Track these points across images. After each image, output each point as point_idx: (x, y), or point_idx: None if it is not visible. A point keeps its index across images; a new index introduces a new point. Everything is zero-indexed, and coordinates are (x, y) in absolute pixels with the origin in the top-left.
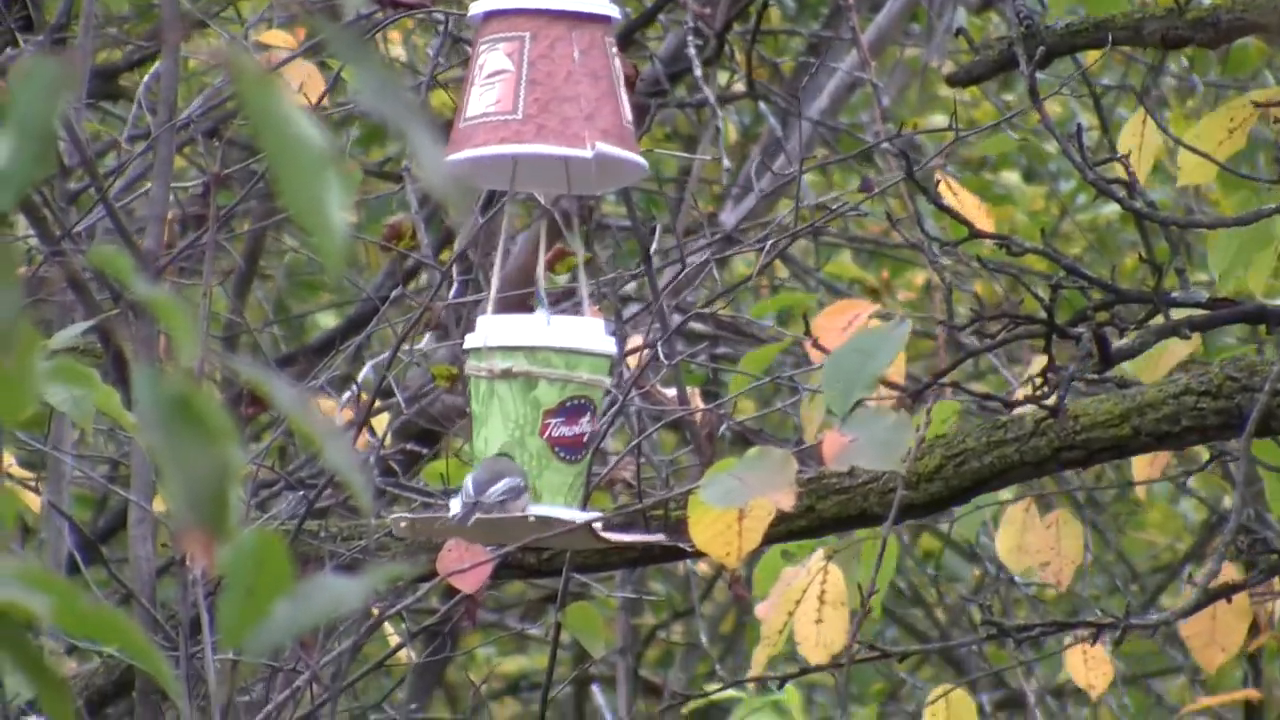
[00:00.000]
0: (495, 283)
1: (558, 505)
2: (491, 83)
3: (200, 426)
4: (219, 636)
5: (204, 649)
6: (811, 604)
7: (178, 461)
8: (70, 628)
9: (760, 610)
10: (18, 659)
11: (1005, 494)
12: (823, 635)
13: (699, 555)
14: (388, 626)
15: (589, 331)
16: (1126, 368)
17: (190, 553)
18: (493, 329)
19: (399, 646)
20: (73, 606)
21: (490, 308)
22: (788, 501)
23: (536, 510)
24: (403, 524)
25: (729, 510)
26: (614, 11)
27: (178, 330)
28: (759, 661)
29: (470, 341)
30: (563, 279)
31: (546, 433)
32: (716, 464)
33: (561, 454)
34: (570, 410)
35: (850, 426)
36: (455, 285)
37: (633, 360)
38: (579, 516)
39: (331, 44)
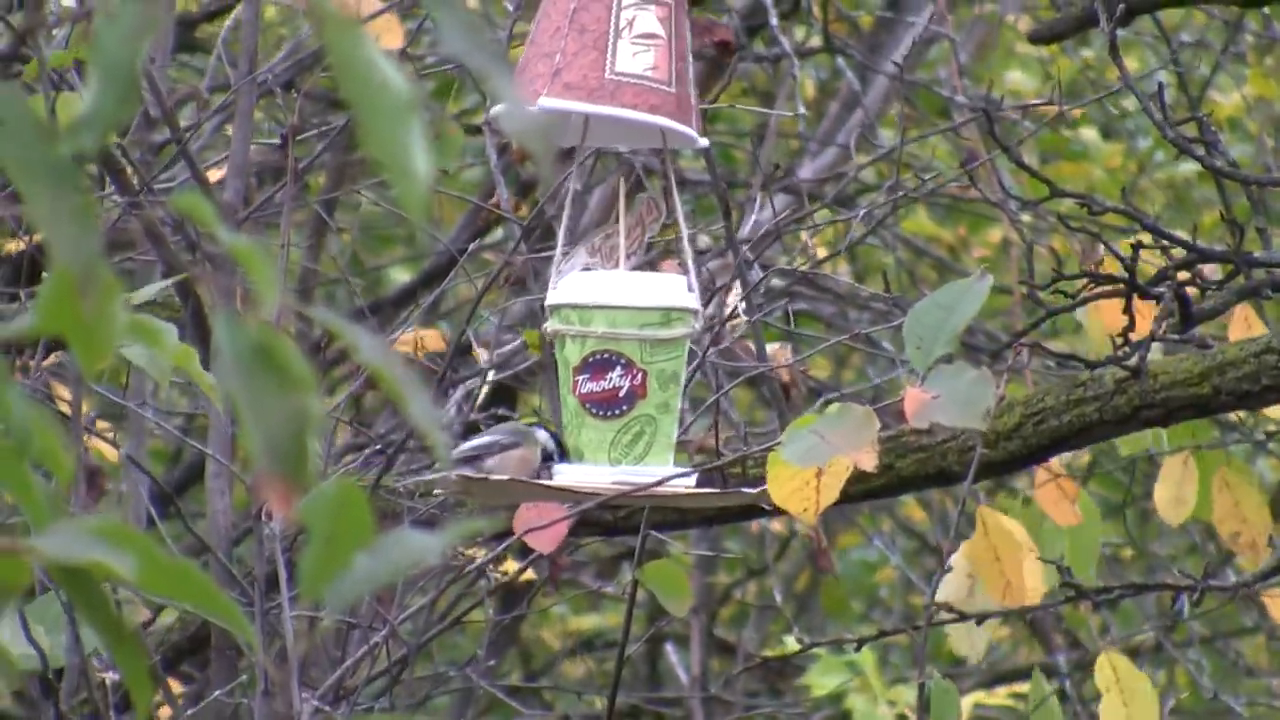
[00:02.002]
0: (561, 238)
1: (600, 463)
2: (646, 45)
3: (280, 375)
4: (299, 587)
5: (281, 605)
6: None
7: (257, 410)
8: (150, 585)
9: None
10: (93, 615)
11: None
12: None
13: (777, 513)
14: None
15: (617, 284)
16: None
17: (268, 502)
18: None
19: (476, 604)
20: (153, 563)
21: (555, 268)
22: (869, 461)
23: (569, 470)
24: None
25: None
26: None
27: (260, 278)
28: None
29: (549, 300)
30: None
31: (576, 389)
32: (796, 420)
33: (593, 410)
34: (594, 365)
35: (931, 383)
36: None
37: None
38: (618, 475)
39: None
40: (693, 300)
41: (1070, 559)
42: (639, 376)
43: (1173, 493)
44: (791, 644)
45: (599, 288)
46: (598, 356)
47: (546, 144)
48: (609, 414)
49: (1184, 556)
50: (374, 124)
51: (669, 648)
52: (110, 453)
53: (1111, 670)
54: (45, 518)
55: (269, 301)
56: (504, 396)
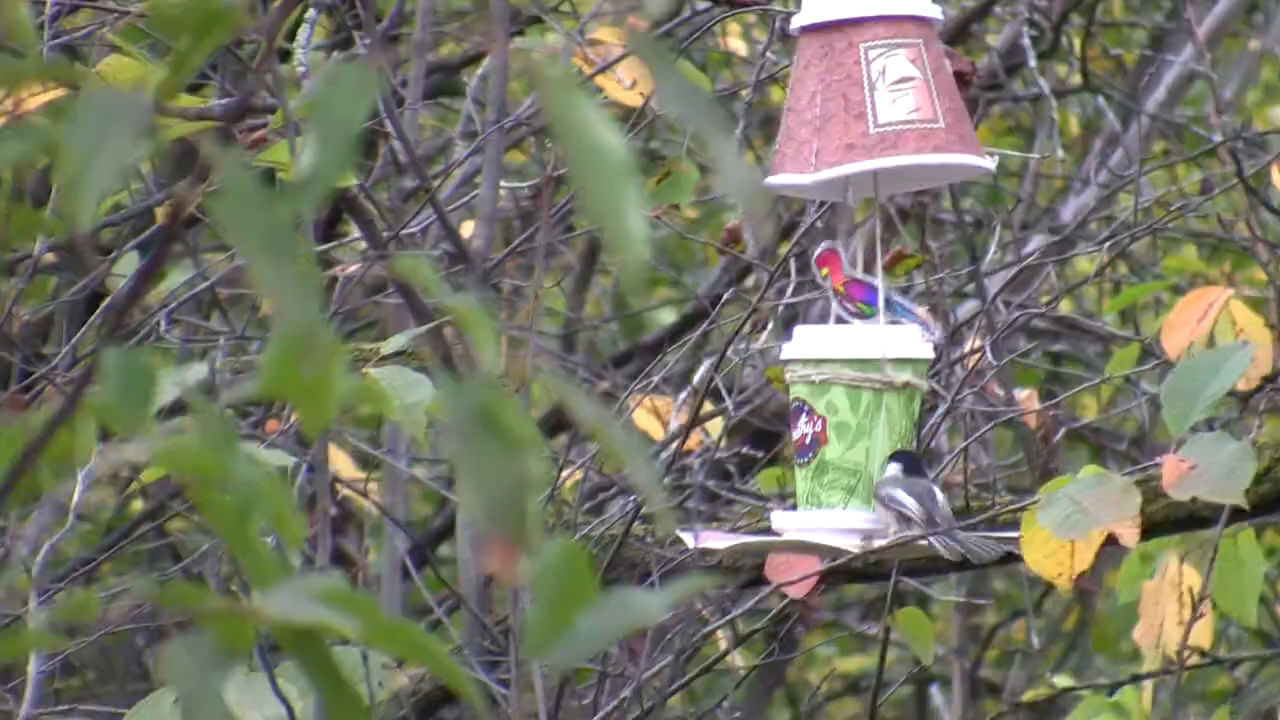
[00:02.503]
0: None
1: (804, 509)
2: (903, 89)
3: (502, 436)
4: (524, 648)
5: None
6: (1173, 609)
7: (478, 472)
8: (376, 644)
9: (1138, 635)
10: (316, 675)
11: None
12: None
13: (1020, 559)
14: (721, 630)
15: (809, 337)
16: None
17: (491, 564)
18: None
19: (725, 652)
20: (377, 624)
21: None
22: (1131, 536)
23: (780, 520)
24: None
25: None
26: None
27: (481, 337)
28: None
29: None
30: (902, 280)
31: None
32: (1052, 480)
33: (797, 458)
34: (793, 414)
35: (1191, 451)
36: (792, 283)
37: (968, 361)
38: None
39: (635, 49)
40: (878, 350)
41: (1223, 600)
42: (819, 424)
43: None
44: (1055, 685)
45: (800, 341)
46: (795, 404)
47: (767, 208)
48: (802, 461)
49: None
50: (592, 185)
51: (933, 690)
52: (367, 504)
53: None
54: (269, 578)
55: (490, 360)
56: (761, 438)
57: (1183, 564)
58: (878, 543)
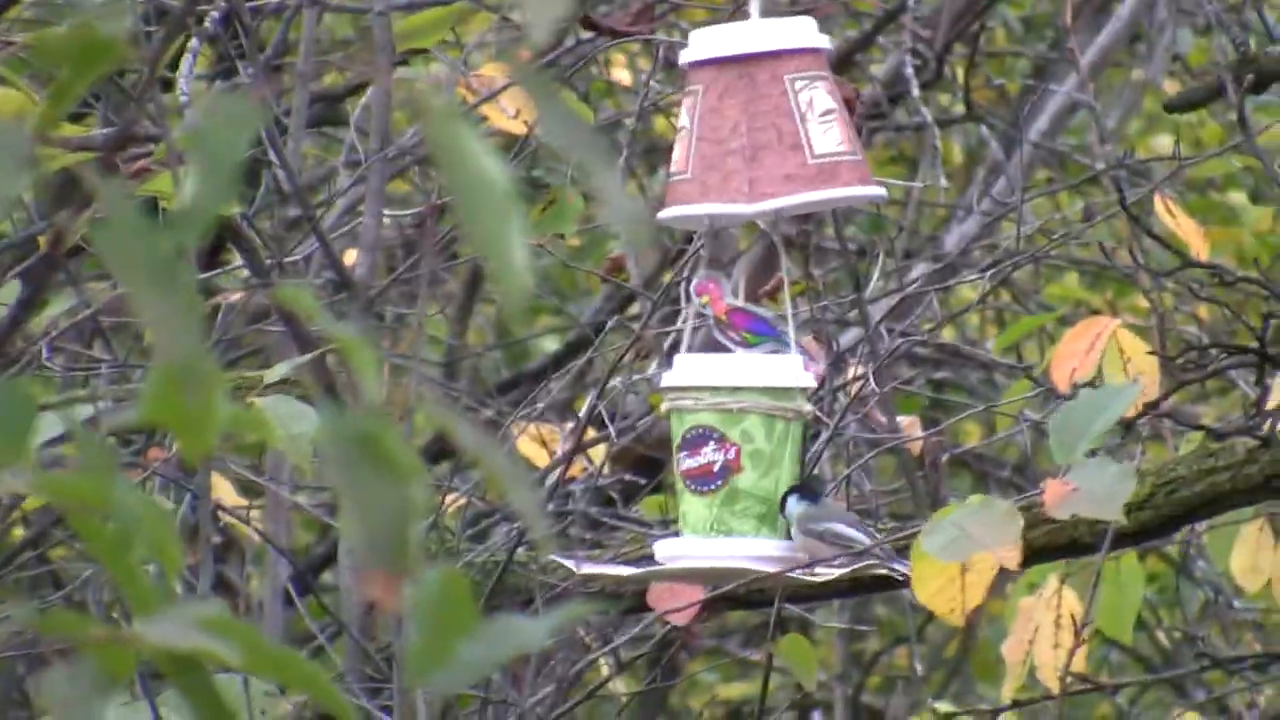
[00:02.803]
0: (689, 320)
1: (699, 536)
2: (829, 121)
3: (384, 465)
4: (405, 676)
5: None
6: (1048, 630)
7: (359, 501)
8: (257, 671)
9: (1006, 649)
10: (197, 703)
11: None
12: (1060, 659)
13: (905, 585)
14: (606, 655)
15: (698, 364)
16: None
17: (372, 592)
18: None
19: (608, 679)
20: (259, 652)
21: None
22: (1013, 559)
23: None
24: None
25: (951, 564)
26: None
27: (363, 366)
28: (1007, 695)
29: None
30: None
31: (678, 466)
32: (939, 511)
33: (692, 485)
34: (692, 442)
35: (1075, 475)
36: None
37: (850, 388)
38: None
39: (520, 81)
40: (789, 378)
41: (1104, 622)
42: (732, 451)
43: (1249, 561)
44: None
45: (691, 370)
46: (694, 432)
47: (649, 239)
48: (705, 489)
49: None
50: (474, 217)
51: (815, 715)
52: (249, 531)
53: None
54: (151, 606)
55: (372, 389)
56: (645, 465)
57: (1063, 585)
58: (829, 570)
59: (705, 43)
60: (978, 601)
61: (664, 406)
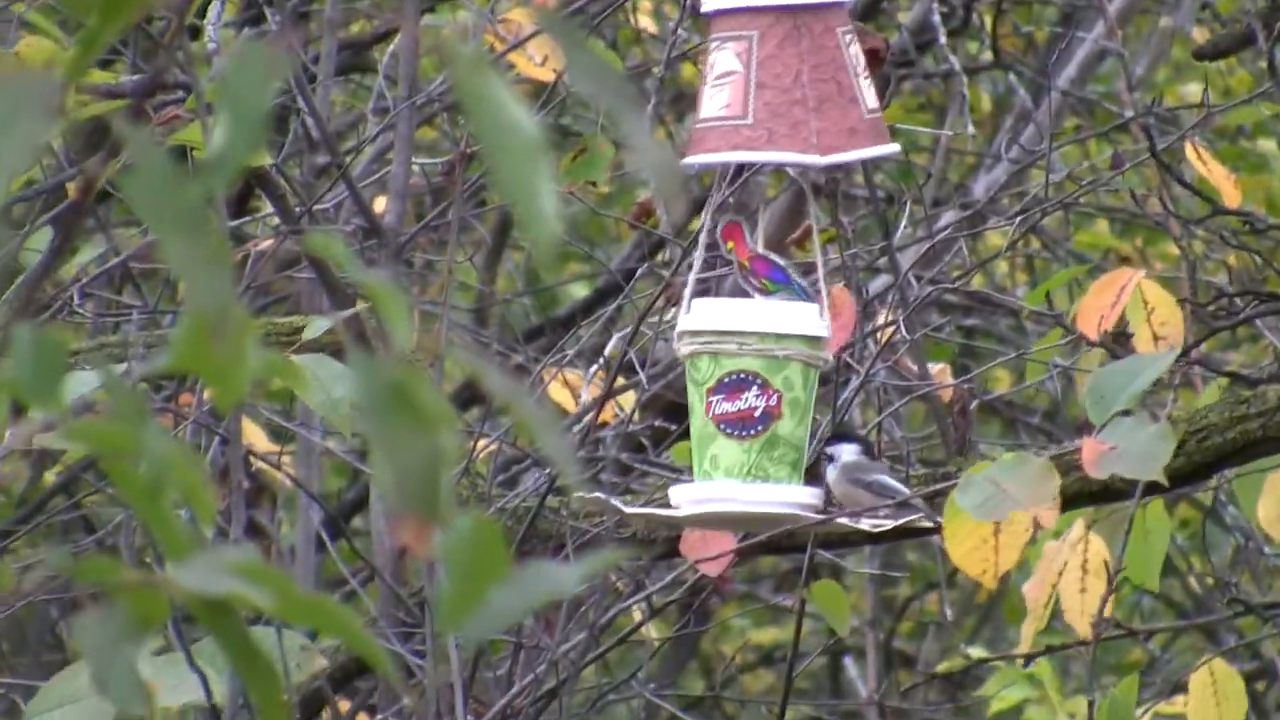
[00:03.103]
0: (697, 265)
1: (734, 481)
2: (721, 85)
3: (414, 413)
4: (436, 622)
5: None
6: (1074, 574)
7: (390, 449)
8: (289, 618)
9: (1027, 589)
10: (231, 648)
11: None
12: (1087, 604)
13: (936, 531)
14: (638, 601)
15: (743, 310)
16: None
17: (404, 538)
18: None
19: (640, 624)
20: (291, 597)
21: (689, 290)
22: (1050, 518)
23: (710, 490)
24: (626, 513)
25: (984, 524)
26: None
27: (393, 316)
28: (1027, 636)
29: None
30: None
31: (710, 410)
32: (974, 466)
33: (727, 429)
34: (730, 386)
35: (1110, 434)
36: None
37: (881, 335)
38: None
39: (546, 28)
40: (820, 328)
41: (1130, 568)
42: (774, 398)
43: (1276, 510)
44: (970, 656)
45: (731, 314)
46: (734, 377)
47: (677, 186)
48: (744, 434)
49: None
50: (503, 165)
51: (847, 661)
52: (280, 477)
53: (1209, 673)
54: (183, 551)
55: (402, 338)
56: (674, 411)
57: (1089, 531)
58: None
59: None
60: (1011, 563)
61: (688, 349)
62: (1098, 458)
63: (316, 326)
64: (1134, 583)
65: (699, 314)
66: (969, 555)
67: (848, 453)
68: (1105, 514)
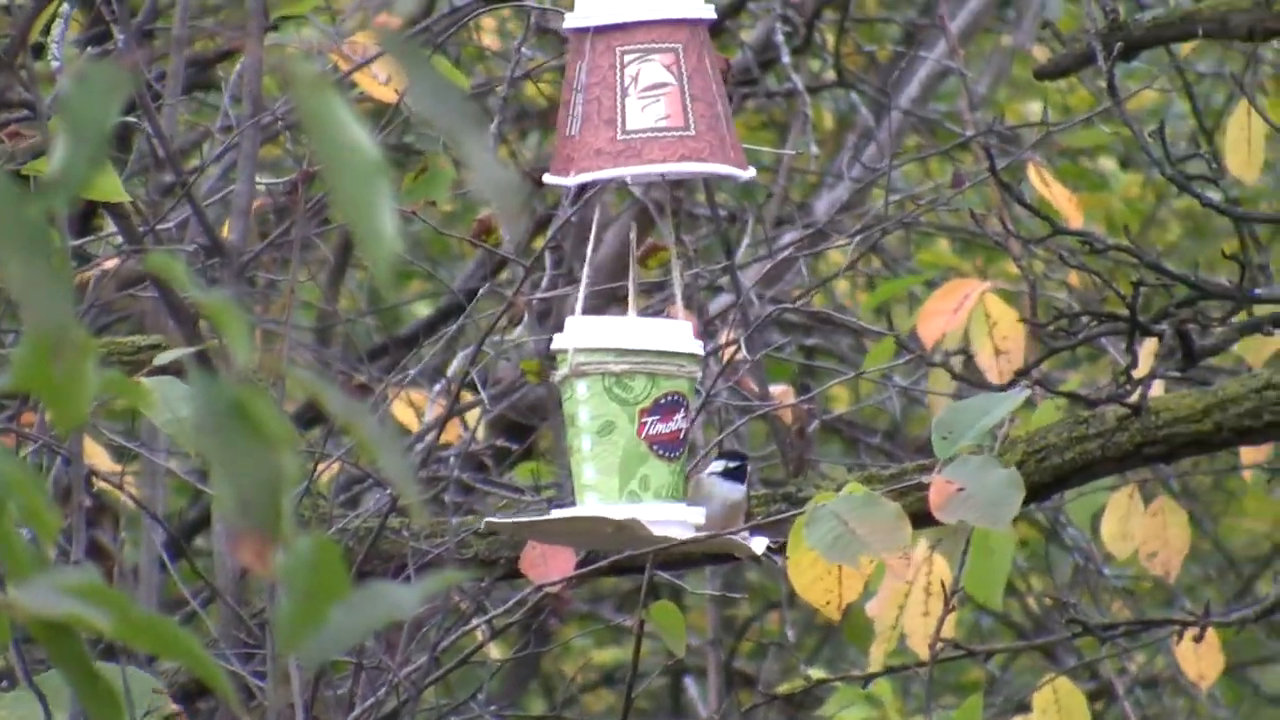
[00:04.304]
0: (585, 280)
1: (663, 501)
2: (654, 96)
3: (254, 432)
4: (276, 643)
5: None
6: (918, 597)
7: (230, 468)
8: (128, 639)
9: (870, 608)
10: (70, 671)
11: (1108, 481)
12: (929, 628)
13: (779, 552)
14: (478, 620)
15: (677, 331)
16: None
17: (244, 558)
18: (582, 329)
19: (481, 644)
20: (130, 618)
21: (580, 306)
22: (902, 569)
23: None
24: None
25: None
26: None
27: (233, 335)
28: (876, 659)
29: (558, 343)
30: (655, 273)
31: (644, 431)
32: (818, 496)
33: (660, 451)
34: (665, 408)
35: (956, 473)
36: (547, 277)
37: (723, 354)
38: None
39: (388, 49)
40: (697, 345)
41: (972, 587)
42: (689, 419)
43: (1119, 528)
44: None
45: (670, 332)
46: (669, 398)
47: (519, 205)
48: (673, 455)
49: (1201, 587)
50: (342, 184)
51: (688, 681)
52: (122, 497)
53: (1052, 692)
54: (24, 571)
55: (242, 358)
56: (516, 431)
57: (933, 552)
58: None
59: (676, 2)
60: (855, 594)
61: (621, 367)
62: (945, 501)
63: (167, 355)
64: (976, 600)
65: (634, 333)
66: (812, 585)
67: (740, 477)
68: (947, 533)
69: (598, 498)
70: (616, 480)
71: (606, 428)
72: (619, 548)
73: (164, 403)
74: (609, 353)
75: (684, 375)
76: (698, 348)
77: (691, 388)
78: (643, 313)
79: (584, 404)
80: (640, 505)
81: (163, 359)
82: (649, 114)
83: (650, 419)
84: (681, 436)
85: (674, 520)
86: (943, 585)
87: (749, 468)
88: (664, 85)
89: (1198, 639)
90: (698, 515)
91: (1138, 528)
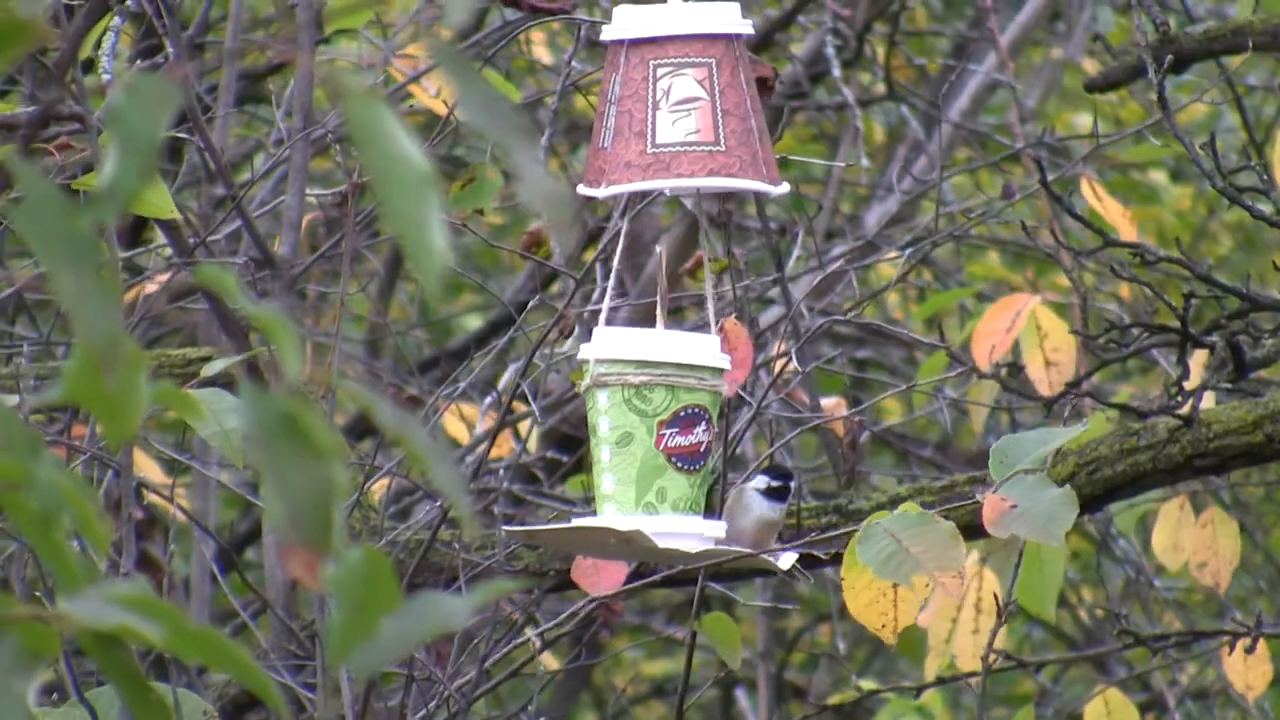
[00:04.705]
0: (609, 292)
1: (680, 514)
2: (685, 110)
3: (304, 445)
4: (327, 654)
5: None
6: (968, 614)
7: (280, 480)
8: (179, 651)
9: (922, 619)
10: (121, 682)
11: (1157, 493)
12: (979, 645)
13: (829, 563)
14: (529, 631)
15: (699, 344)
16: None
17: (294, 571)
18: (604, 340)
19: (532, 656)
20: (181, 630)
21: (604, 318)
22: (955, 587)
23: (647, 522)
24: (507, 532)
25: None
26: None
27: (284, 347)
28: (930, 671)
29: (582, 353)
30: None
31: (662, 443)
32: (873, 515)
33: (680, 464)
34: (684, 420)
35: (1010, 490)
36: (598, 290)
37: (774, 365)
38: (694, 527)
39: (439, 61)
40: (722, 359)
41: (1025, 600)
42: (712, 432)
43: (1170, 539)
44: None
45: (692, 348)
46: (689, 411)
47: (569, 217)
48: (693, 468)
49: (1253, 599)
50: (392, 198)
51: (739, 693)
52: (173, 509)
53: (1104, 703)
54: (75, 583)
55: (292, 370)
56: (569, 443)
57: (983, 566)
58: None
59: (711, 16)
60: (911, 618)
61: (640, 379)
62: (999, 516)
63: (215, 365)
64: (1028, 612)
65: (654, 345)
66: (868, 608)
67: (785, 491)
68: (999, 546)
69: (615, 508)
70: (633, 491)
71: (625, 439)
72: (632, 559)
73: (211, 414)
74: (629, 364)
75: (706, 389)
76: (722, 361)
77: (715, 401)
78: (687, 325)
79: (604, 414)
80: (656, 517)
81: (211, 369)
82: (679, 128)
83: (669, 431)
84: (703, 450)
85: (688, 533)
86: (995, 599)
87: (794, 486)
88: (695, 99)
89: (1249, 650)
90: (715, 529)
91: (1188, 539)
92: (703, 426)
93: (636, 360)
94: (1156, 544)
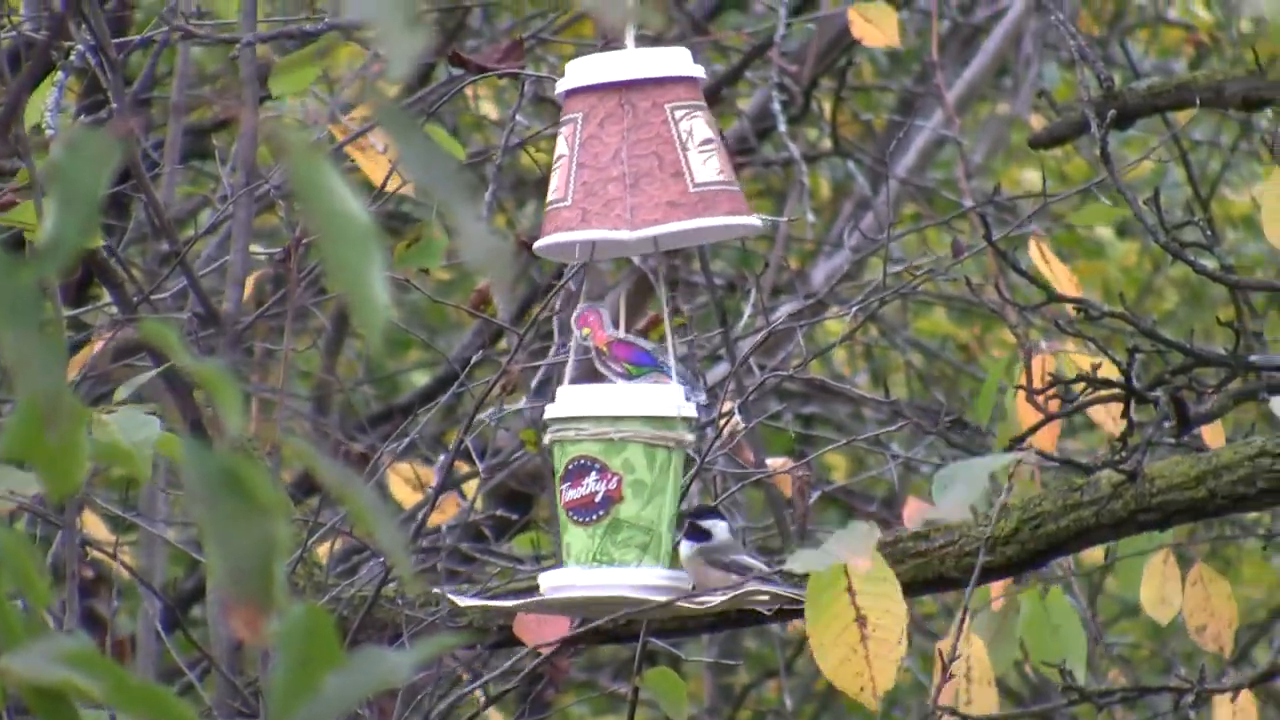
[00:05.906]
0: (573, 349)
1: (582, 567)
2: (709, 151)
3: (246, 501)
4: (270, 711)
5: None
6: (959, 684)
7: (222, 536)
8: (122, 707)
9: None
10: None
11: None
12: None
13: (782, 618)
14: (474, 687)
15: (579, 395)
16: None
17: (236, 627)
18: (558, 401)
19: (476, 713)
20: (123, 686)
21: (569, 374)
22: (864, 564)
23: (555, 578)
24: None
25: (849, 630)
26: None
27: (226, 403)
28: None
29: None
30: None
31: (562, 498)
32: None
33: (574, 516)
34: (574, 472)
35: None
36: (556, 345)
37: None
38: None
39: (380, 118)
40: (672, 407)
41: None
42: (614, 481)
43: (1157, 593)
44: None
45: (570, 401)
46: (576, 463)
47: (510, 274)
48: (587, 519)
49: (1198, 654)
50: (335, 252)
51: None
52: (117, 567)
53: None
54: (17, 639)
55: (235, 424)
56: (516, 500)
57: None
58: (717, 597)
59: (584, 70)
60: (888, 679)
61: (546, 439)
62: (917, 514)
63: (123, 390)
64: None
65: (554, 403)
66: (840, 667)
67: (718, 530)
68: (984, 603)
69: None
70: (557, 547)
71: (556, 495)
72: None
73: (119, 429)
74: (553, 422)
75: (588, 438)
76: (607, 408)
77: (607, 450)
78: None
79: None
80: (561, 571)
81: (120, 395)
82: (709, 168)
83: (564, 486)
84: (597, 500)
85: (576, 585)
86: (940, 654)
87: (713, 519)
88: (711, 141)
89: (1194, 705)
90: (593, 578)
91: (1174, 593)
92: (594, 476)
93: (552, 418)
94: (1145, 598)
